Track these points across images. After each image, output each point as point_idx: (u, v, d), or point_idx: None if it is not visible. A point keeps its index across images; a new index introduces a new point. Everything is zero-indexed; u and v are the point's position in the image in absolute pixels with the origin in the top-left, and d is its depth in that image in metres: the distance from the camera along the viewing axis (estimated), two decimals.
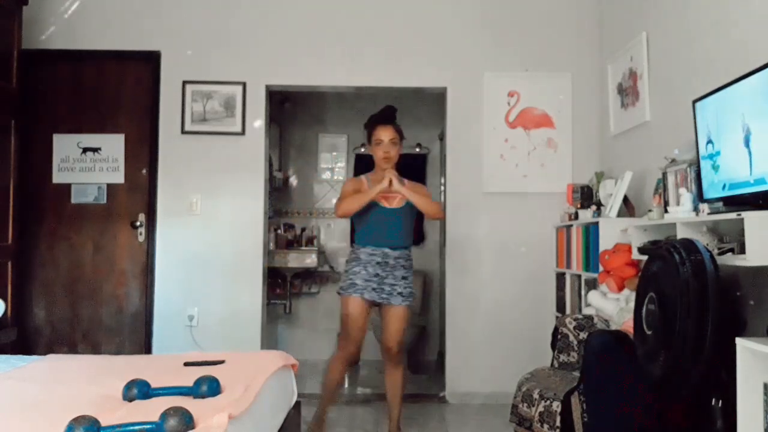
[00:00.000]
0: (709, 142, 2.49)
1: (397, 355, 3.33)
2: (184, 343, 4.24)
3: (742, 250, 2.14)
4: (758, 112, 2.17)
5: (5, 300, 3.59)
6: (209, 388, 1.95)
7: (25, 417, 1.76)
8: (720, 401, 2.11)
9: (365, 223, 3.32)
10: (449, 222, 4.44)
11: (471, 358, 4.32)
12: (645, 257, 2.68)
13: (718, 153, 2.43)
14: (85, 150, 4.35)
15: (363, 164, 5.91)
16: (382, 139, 3.30)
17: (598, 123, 4.37)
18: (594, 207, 3.68)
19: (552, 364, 3.24)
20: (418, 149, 5.91)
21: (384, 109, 3.42)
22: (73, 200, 4.35)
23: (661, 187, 3.00)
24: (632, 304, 2.47)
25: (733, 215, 2.17)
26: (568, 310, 3.88)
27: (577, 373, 2.88)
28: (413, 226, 3.41)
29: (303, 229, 5.82)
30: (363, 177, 3.44)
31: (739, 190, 2.28)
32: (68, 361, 2.70)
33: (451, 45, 4.44)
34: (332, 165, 6.03)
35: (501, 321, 4.32)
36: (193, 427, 1.59)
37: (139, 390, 1.94)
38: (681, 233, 2.51)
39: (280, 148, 5.90)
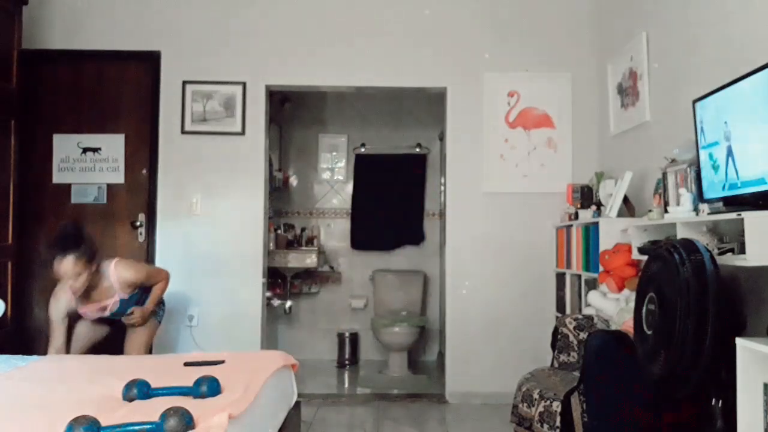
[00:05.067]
0: (710, 142, 2.49)
1: None
2: (184, 343, 4.24)
3: (742, 250, 2.14)
4: (758, 111, 2.17)
5: (5, 300, 3.59)
6: (209, 388, 1.95)
7: (25, 417, 1.77)
8: (720, 401, 2.11)
9: None
10: (449, 222, 4.44)
11: (471, 358, 4.32)
12: (645, 257, 2.69)
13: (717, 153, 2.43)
14: (85, 150, 4.35)
15: (363, 164, 5.92)
16: (60, 275, 3.00)
17: (598, 123, 4.37)
18: (594, 207, 3.68)
19: (552, 364, 3.24)
20: (418, 149, 5.90)
21: (63, 231, 3.12)
22: (73, 200, 4.34)
23: (661, 187, 2.99)
24: (632, 304, 2.47)
25: (733, 215, 2.17)
26: (568, 310, 3.88)
27: (577, 373, 2.88)
28: (137, 296, 3.46)
29: (303, 229, 5.82)
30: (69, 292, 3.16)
31: (739, 190, 2.28)
32: (68, 361, 2.70)
33: (451, 45, 4.44)
34: (332, 165, 6.02)
35: (501, 321, 4.32)
36: (193, 427, 1.59)
37: (139, 390, 1.94)
38: (681, 233, 2.51)
39: (280, 148, 5.90)
